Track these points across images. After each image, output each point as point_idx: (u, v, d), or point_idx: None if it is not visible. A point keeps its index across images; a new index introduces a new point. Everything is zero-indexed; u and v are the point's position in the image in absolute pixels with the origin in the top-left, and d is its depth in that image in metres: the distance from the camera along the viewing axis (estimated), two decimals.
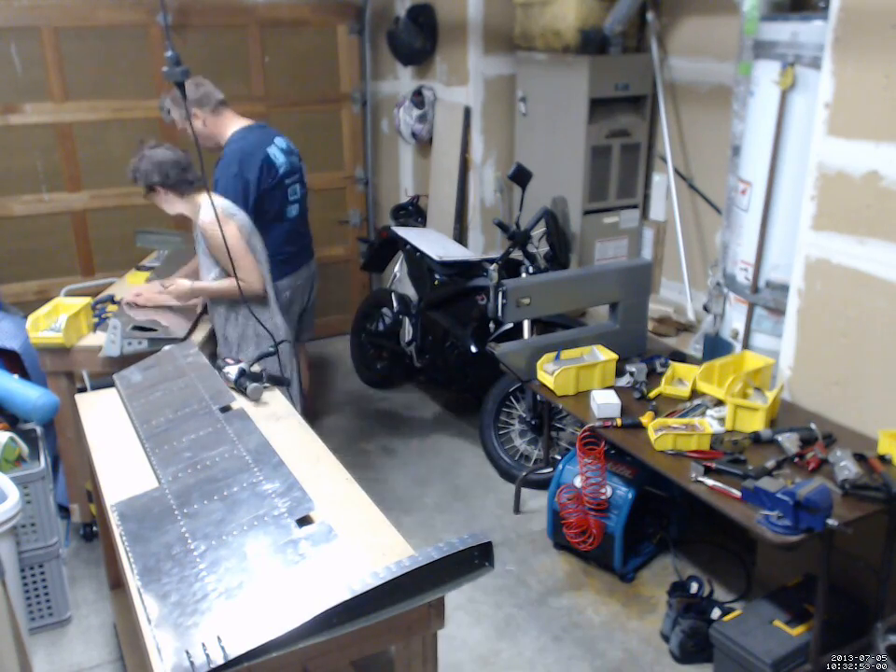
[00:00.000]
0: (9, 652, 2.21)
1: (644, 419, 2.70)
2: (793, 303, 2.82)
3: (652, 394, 2.91)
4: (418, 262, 4.27)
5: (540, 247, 3.84)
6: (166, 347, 2.89)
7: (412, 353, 4.37)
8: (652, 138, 4.24)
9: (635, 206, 4.34)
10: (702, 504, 2.40)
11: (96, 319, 3.33)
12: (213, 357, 3.12)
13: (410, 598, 1.62)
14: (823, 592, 2.34)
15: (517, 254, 3.76)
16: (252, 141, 3.51)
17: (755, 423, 2.63)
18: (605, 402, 2.80)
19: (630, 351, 3.21)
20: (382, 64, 5.34)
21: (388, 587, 1.57)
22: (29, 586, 2.88)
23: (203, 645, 1.48)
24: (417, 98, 4.92)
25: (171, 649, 1.49)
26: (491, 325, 3.83)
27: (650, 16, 4.00)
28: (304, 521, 1.84)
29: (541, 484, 3.61)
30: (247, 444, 2.17)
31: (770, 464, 2.43)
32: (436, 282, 4.20)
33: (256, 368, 2.66)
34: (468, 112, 4.63)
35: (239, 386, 2.58)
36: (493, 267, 3.33)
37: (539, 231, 3.77)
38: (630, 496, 3.04)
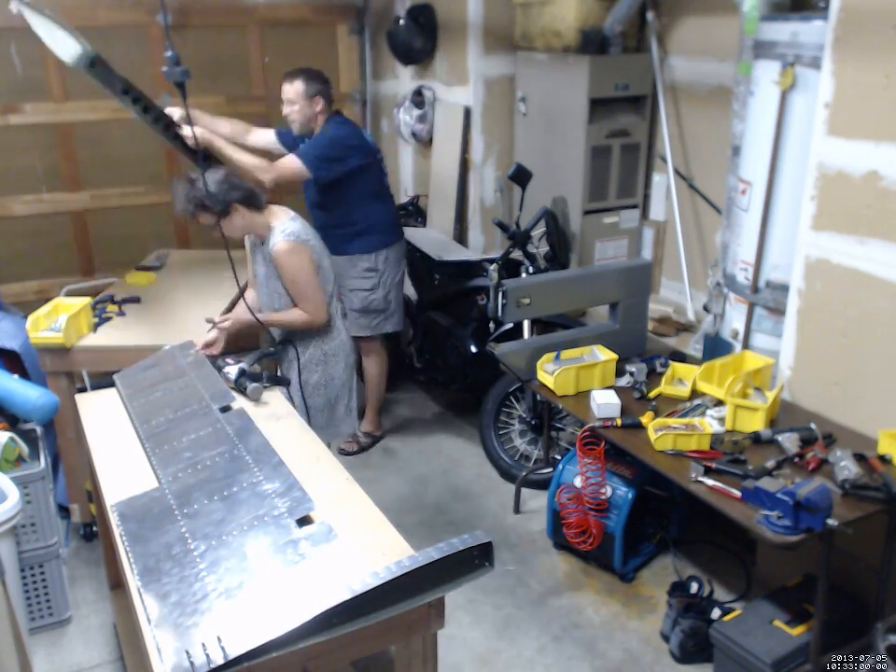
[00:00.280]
0: (9, 652, 2.21)
1: (644, 419, 2.70)
2: (793, 303, 2.82)
3: (652, 394, 2.91)
4: (418, 262, 4.27)
5: (540, 247, 3.84)
6: (166, 347, 2.88)
7: (412, 353, 4.37)
8: (652, 138, 4.24)
9: (635, 206, 4.34)
10: (702, 504, 2.40)
11: (96, 319, 3.33)
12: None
13: (410, 598, 1.62)
14: (823, 592, 2.33)
15: (517, 254, 3.76)
16: (347, 125, 3.70)
17: (755, 423, 2.63)
18: (605, 402, 2.80)
19: (630, 351, 3.21)
20: (382, 64, 5.34)
21: (388, 587, 1.57)
22: (29, 586, 2.88)
23: (203, 645, 1.48)
24: (417, 98, 4.92)
25: (171, 649, 1.50)
26: (491, 325, 3.83)
27: (650, 16, 4.00)
28: (304, 521, 1.84)
29: (541, 484, 3.61)
30: (247, 444, 2.17)
31: (770, 464, 2.43)
32: (436, 282, 4.20)
33: (256, 368, 2.66)
34: (468, 112, 4.63)
35: (239, 386, 2.58)
36: (493, 267, 3.33)
37: (539, 231, 3.77)
38: (630, 496, 3.04)
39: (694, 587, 2.87)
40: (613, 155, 4.17)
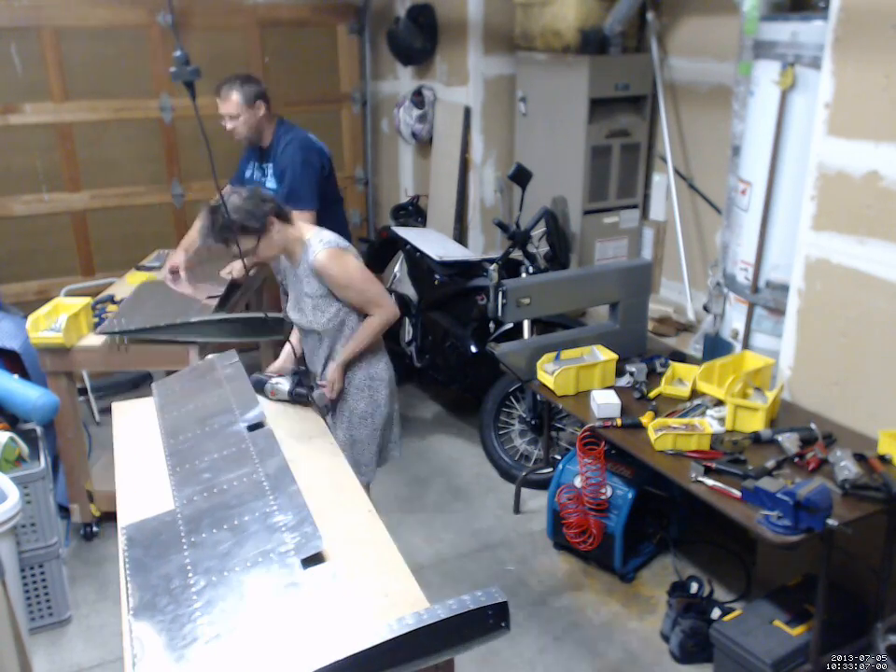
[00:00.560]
0: (9, 652, 2.21)
1: (644, 419, 2.70)
2: (793, 303, 2.82)
3: (652, 394, 2.91)
4: (418, 262, 4.27)
5: (540, 247, 3.84)
6: (209, 357, 2.78)
7: (412, 353, 4.37)
8: (652, 138, 4.24)
9: (635, 206, 4.34)
10: (702, 504, 2.40)
11: (96, 319, 3.33)
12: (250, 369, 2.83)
13: (414, 659, 1.49)
14: (823, 592, 2.33)
15: (517, 254, 3.76)
16: (300, 131, 3.61)
17: (755, 423, 2.63)
18: (605, 402, 2.80)
19: (630, 351, 3.21)
20: (382, 64, 5.34)
21: (389, 646, 1.44)
22: (29, 586, 2.88)
23: None
24: (417, 98, 4.92)
25: None
26: (491, 325, 3.84)
27: (650, 16, 4.00)
28: (314, 558, 1.74)
29: (541, 484, 3.61)
30: (267, 468, 2.08)
31: (770, 464, 2.43)
32: (436, 282, 4.20)
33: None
34: (468, 112, 4.63)
35: (297, 397, 2.53)
36: (493, 267, 3.33)
37: (539, 231, 3.77)
38: (630, 496, 3.04)
39: (694, 587, 2.87)
40: (613, 155, 4.17)
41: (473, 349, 3.92)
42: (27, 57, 4.40)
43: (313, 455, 2.29)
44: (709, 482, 2.39)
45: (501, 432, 3.91)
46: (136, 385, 4.75)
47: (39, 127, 4.54)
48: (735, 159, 3.26)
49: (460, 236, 4.82)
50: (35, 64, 4.43)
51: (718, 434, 2.60)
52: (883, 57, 2.41)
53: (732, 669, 2.51)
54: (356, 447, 2.81)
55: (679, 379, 2.98)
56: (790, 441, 2.53)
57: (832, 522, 2.16)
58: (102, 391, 4.67)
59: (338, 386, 2.72)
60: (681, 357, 3.21)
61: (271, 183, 3.65)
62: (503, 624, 1.54)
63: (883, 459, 2.43)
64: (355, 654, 1.42)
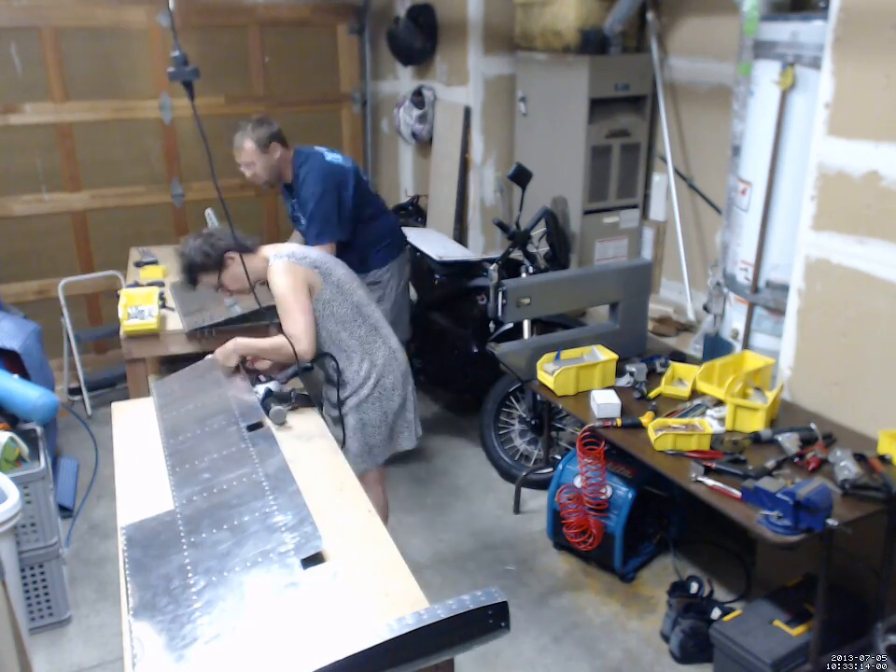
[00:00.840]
0: (9, 652, 2.21)
1: (644, 419, 2.70)
2: (793, 303, 2.82)
3: (652, 394, 2.91)
4: (418, 262, 4.27)
5: (540, 247, 3.84)
6: (208, 357, 2.77)
7: (412, 353, 4.37)
8: (652, 138, 4.24)
9: (635, 206, 4.34)
10: (702, 504, 2.39)
11: (160, 302, 3.37)
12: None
13: (413, 659, 1.49)
14: (823, 592, 2.33)
15: (517, 254, 3.76)
16: (315, 157, 3.47)
17: (755, 423, 2.63)
18: (605, 402, 2.80)
19: (630, 351, 3.21)
20: (382, 64, 5.34)
21: (388, 646, 1.45)
22: (29, 586, 2.88)
23: None
24: (417, 98, 4.92)
25: None
26: (491, 325, 3.83)
27: (650, 16, 4.00)
28: (313, 558, 1.75)
29: (541, 484, 3.61)
30: (267, 468, 2.08)
31: (770, 464, 2.43)
32: (436, 282, 4.20)
33: (283, 388, 2.56)
34: (468, 112, 4.63)
35: (264, 407, 2.47)
36: (493, 267, 3.33)
37: (539, 231, 3.77)
38: (630, 496, 3.04)
39: (694, 587, 2.87)
40: (613, 155, 4.17)
41: (474, 349, 3.92)
42: (27, 57, 4.41)
43: (311, 455, 2.28)
44: (709, 482, 2.39)
45: (501, 432, 3.91)
46: (113, 384, 4.74)
47: (39, 127, 4.54)
48: (735, 159, 3.26)
49: (460, 236, 4.82)
50: (35, 64, 4.44)
51: (718, 434, 2.60)
52: (883, 57, 2.41)
53: (732, 669, 2.51)
54: (366, 430, 2.80)
55: (679, 379, 2.98)
56: (790, 441, 2.53)
57: (832, 522, 2.16)
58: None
59: (229, 363, 2.69)
60: (681, 357, 3.21)
61: (305, 219, 3.52)
62: (503, 624, 1.55)
63: (883, 459, 2.43)
64: (355, 654, 1.42)
